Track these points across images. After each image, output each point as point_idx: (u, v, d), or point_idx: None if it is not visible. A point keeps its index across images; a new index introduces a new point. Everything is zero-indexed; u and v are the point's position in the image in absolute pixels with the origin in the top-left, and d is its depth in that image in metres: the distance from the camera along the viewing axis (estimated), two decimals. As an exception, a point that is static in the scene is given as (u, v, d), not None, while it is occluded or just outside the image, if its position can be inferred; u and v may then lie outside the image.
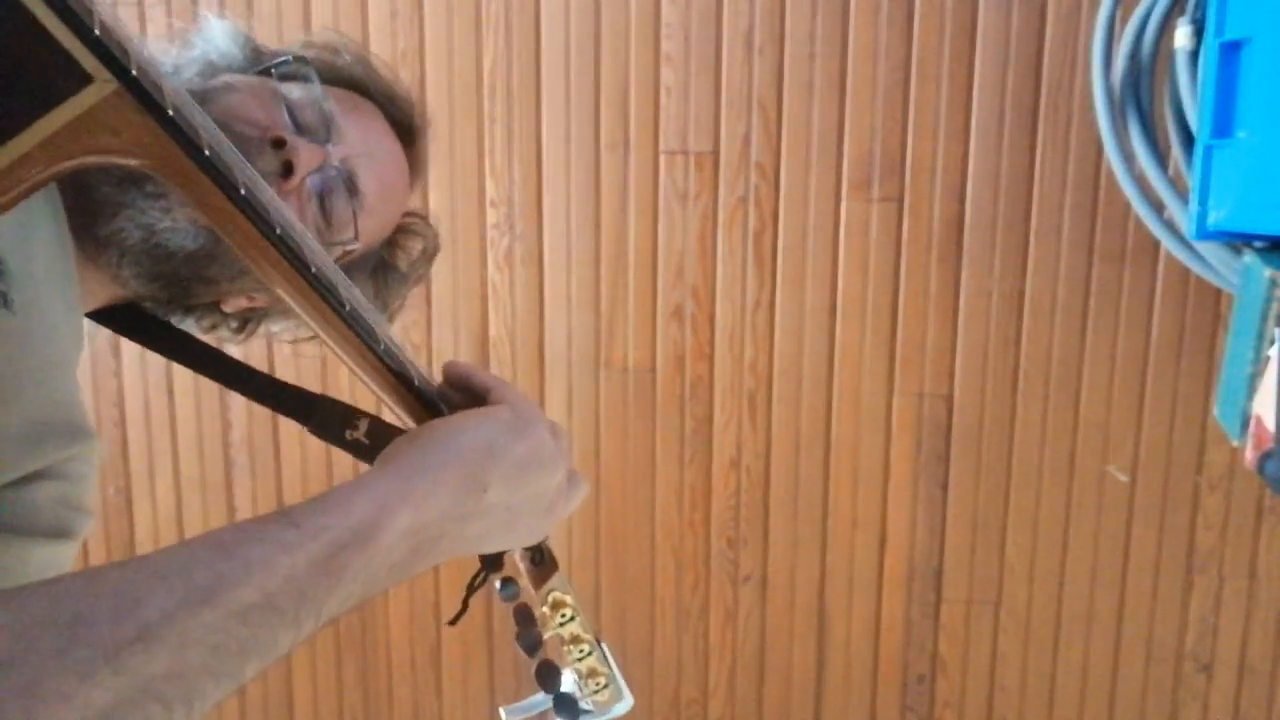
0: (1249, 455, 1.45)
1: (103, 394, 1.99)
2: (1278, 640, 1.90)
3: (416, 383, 0.62)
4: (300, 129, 0.74)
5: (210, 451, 2.02)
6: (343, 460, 1.84)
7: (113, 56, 0.42)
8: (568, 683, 0.72)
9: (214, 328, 0.83)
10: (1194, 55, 1.50)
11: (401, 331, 1.90)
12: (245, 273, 0.71)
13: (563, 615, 0.71)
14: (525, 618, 0.69)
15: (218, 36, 0.81)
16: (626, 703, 0.73)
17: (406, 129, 0.85)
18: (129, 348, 2.00)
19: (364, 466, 0.71)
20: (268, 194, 0.52)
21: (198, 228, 0.69)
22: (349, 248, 0.78)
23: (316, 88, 0.76)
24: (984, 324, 1.84)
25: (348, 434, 0.69)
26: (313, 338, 0.61)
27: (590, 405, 1.93)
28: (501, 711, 0.74)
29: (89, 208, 0.69)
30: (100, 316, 0.77)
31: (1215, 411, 1.65)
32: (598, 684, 0.72)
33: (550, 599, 0.70)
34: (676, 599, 2.00)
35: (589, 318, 1.90)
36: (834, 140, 1.81)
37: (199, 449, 2.02)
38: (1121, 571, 1.91)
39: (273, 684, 2.10)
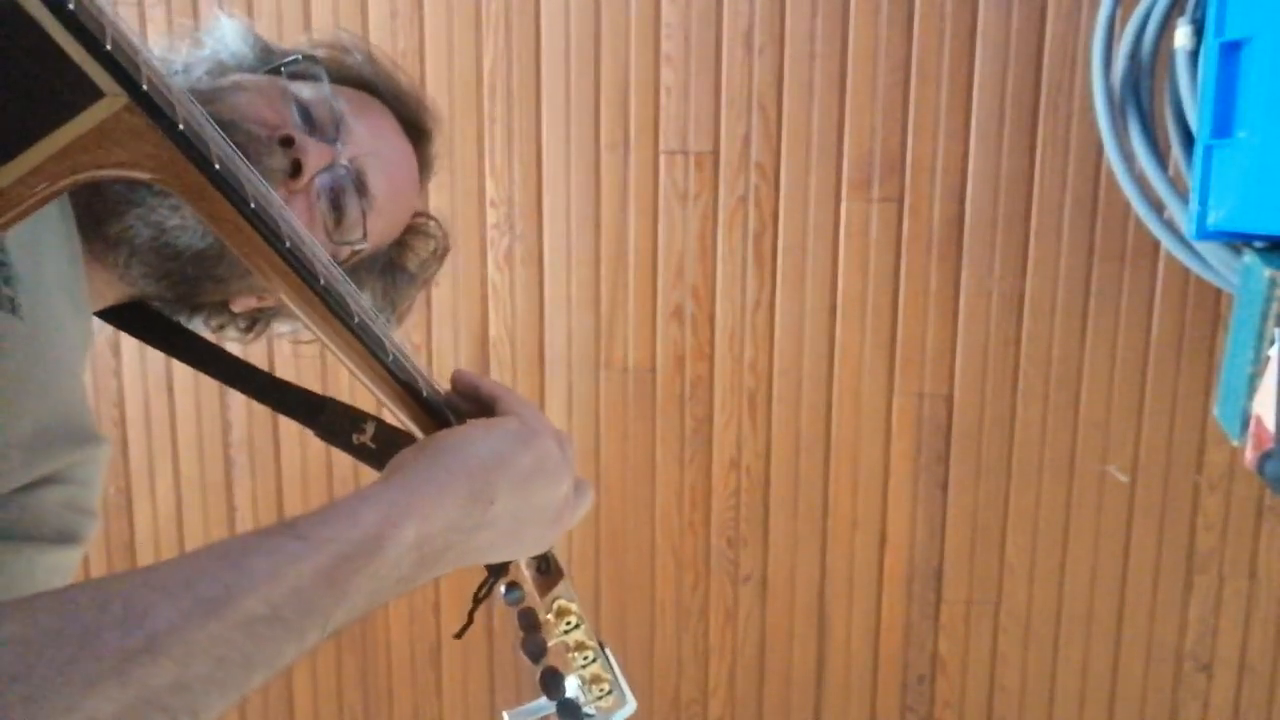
0: (1249, 455, 1.45)
1: (103, 393, 1.99)
2: (1278, 640, 1.90)
3: (425, 393, 0.62)
4: (309, 128, 0.74)
5: (210, 451, 2.02)
6: (342, 460, 1.84)
7: (124, 71, 0.42)
8: (571, 689, 0.72)
9: (222, 327, 0.82)
10: (1194, 55, 1.50)
11: (401, 332, 1.89)
12: None
13: (567, 623, 0.71)
14: (530, 624, 0.69)
15: (228, 36, 0.81)
16: (630, 708, 0.73)
17: (416, 129, 0.85)
18: (129, 347, 1.99)
19: (363, 467, 0.72)
20: (277, 206, 0.52)
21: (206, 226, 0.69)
22: (358, 248, 0.78)
23: (326, 87, 0.76)
24: (984, 324, 1.84)
25: (354, 438, 0.69)
26: (316, 340, 0.61)
27: (590, 405, 1.93)
28: (505, 715, 0.74)
29: (98, 207, 0.69)
30: (107, 316, 0.76)
31: (1215, 411, 1.65)
32: (601, 690, 0.72)
33: (555, 606, 0.70)
34: (676, 599, 2.00)
35: (589, 318, 1.90)
36: (834, 140, 1.81)
37: (199, 449, 2.02)
38: (1121, 571, 1.91)
39: (273, 684, 2.10)
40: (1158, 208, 1.64)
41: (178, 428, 2.02)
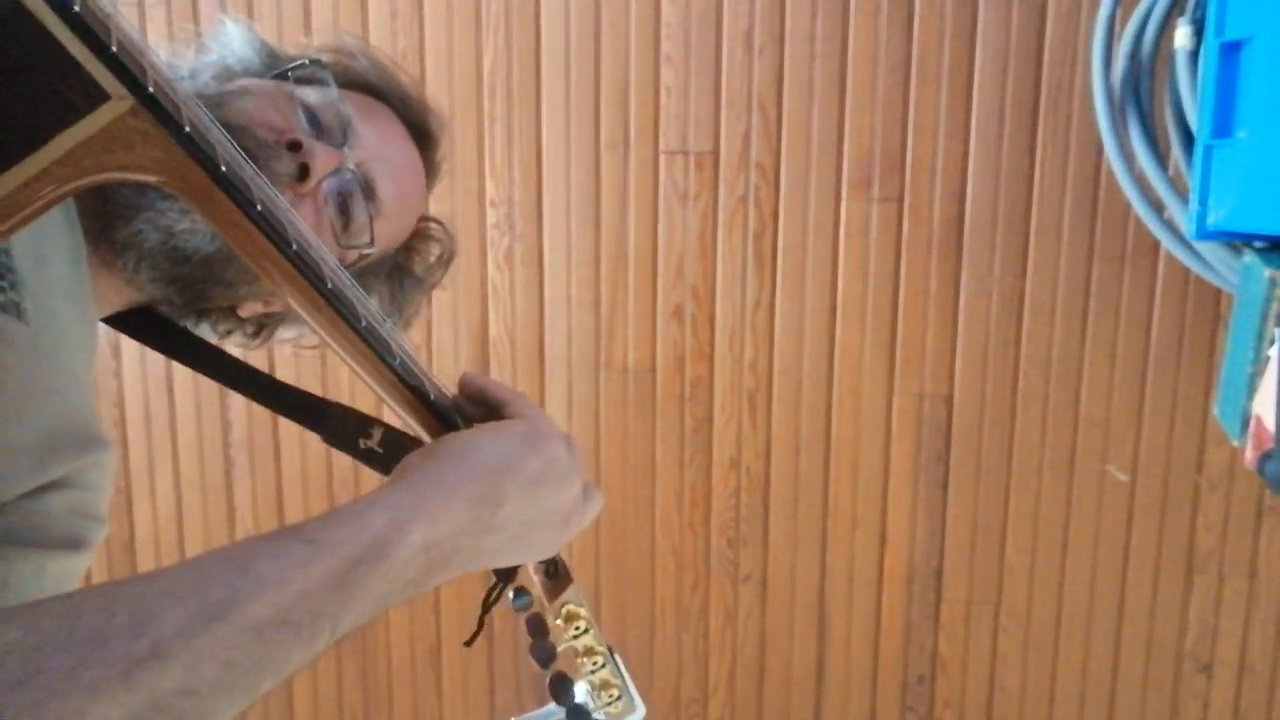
0: (1249, 455, 1.45)
1: (103, 394, 1.99)
2: (1278, 640, 1.90)
3: (432, 396, 0.62)
4: (316, 132, 0.74)
5: (210, 451, 2.02)
6: (343, 461, 1.83)
7: (130, 73, 0.42)
8: (581, 694, 0.72)
9: (229, 333, 0.82)
10: (1194, 55, 1.50)
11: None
12: None
13: (576, 628, 0.70)
14: (539, 629, 0.69)
15: (234, 41, 0.81)
16: (639, 714, 0.73)
17: (422, 134, 0.85)
18: (129, 348, 1.99)
19: (364, 468, 0.71)
20: (284, 210, 0.52)
21: None
22: (365, 252, 0.77)
23: (333, 91, 0.76)
24: (984, 324, 1.84)
25: (362, 443, 0.69)
26: (319, 345, 0.60)
27: (590, 405, 1.93)
28: None
29: (106, 211, 0.68)
30: (114, 321, 0.76)
31: (1215, 411, 1.65)
32: (611, 696, 0.72)
33: (564, 611, 0.70)
34: (676, 599, 2.00)
35: (589, 318, 1.90)
36: (834, 140, 1.81)
37: (199, 449, 2.02)
38: (1121, 571, 1.91)
39: (272, 685, 2.10)
40: (1158, 208, 1.64)
41: (178, 428, 2.01)
